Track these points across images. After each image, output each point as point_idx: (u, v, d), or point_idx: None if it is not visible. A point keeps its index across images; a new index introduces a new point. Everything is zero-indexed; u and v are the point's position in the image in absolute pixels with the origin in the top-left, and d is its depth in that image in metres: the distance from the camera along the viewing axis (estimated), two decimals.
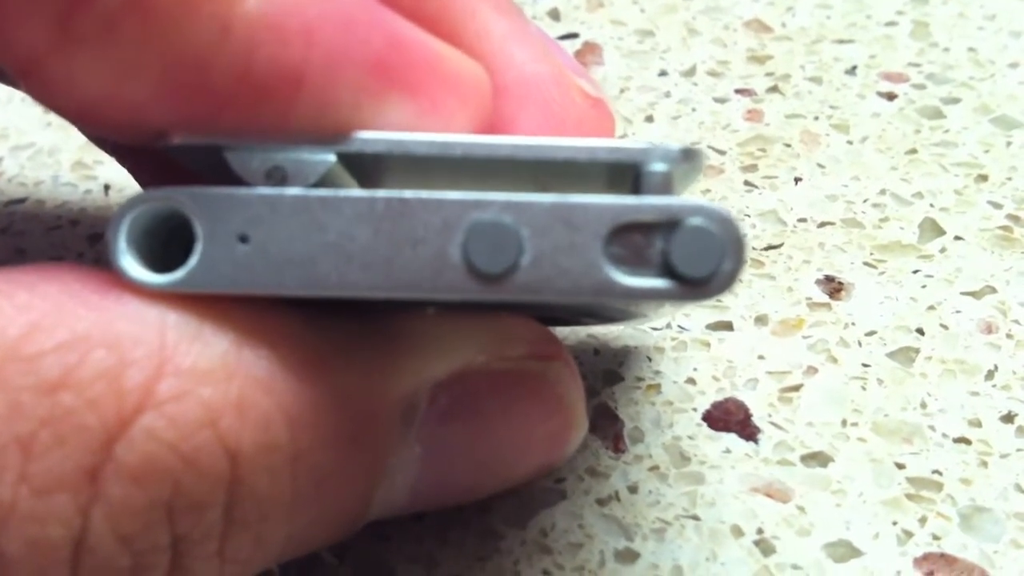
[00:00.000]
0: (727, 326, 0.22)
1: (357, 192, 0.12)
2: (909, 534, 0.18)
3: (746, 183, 0.26)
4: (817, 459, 0.20)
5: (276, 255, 0.12)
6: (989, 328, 0.22)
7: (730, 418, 0.21)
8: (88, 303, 0.12)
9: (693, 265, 0.12)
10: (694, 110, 0.29)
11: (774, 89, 0.29)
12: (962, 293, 0.23)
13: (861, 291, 0.23)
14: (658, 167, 0.13)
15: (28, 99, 0.30)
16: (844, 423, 0.20)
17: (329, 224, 0.12)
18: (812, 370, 0.21)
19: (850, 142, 0.27)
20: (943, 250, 0.24)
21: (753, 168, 0.27)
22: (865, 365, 0.21)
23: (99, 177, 0.28)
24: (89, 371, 0.11)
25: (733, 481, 0.19)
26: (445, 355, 0.14)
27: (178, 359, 0.12)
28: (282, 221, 0.12)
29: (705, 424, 0.21)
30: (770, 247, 0.24)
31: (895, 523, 0.19)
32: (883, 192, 0.26)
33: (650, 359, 0.22)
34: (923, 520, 0.19)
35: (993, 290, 0.23)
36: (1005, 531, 0.18)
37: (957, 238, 0.24)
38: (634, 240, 0.12)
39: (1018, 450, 0.20)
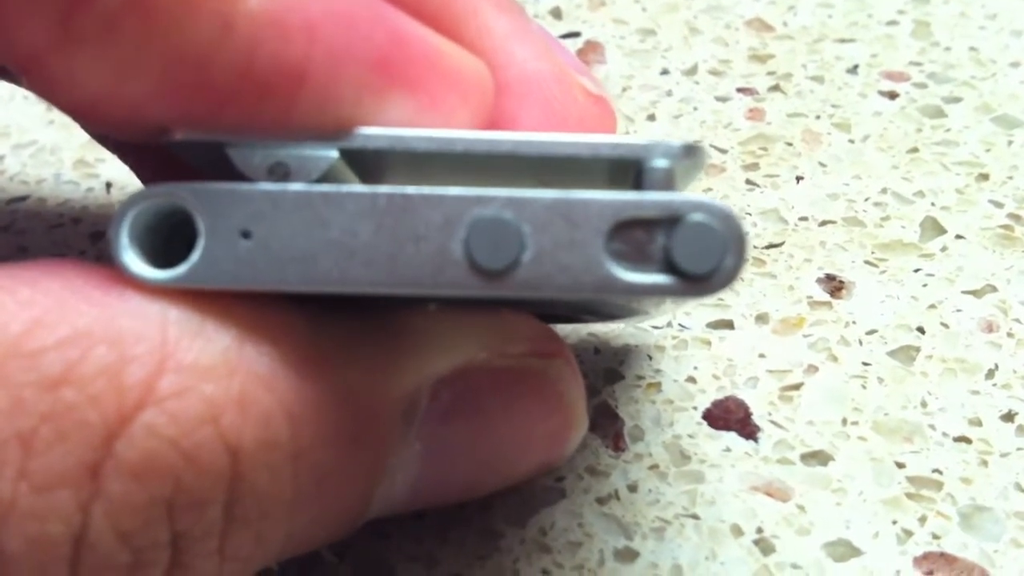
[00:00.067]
0: (728, 324, 0.22)
1: (359, 188, 0.12)
2: (909, 533, 0.18)
3: (747, 182, 0.26)
4: (817, 458, 0.20)
5: (278, 251, 0.12)
6: (990, 327, 0.22)
7: (730, 417, 0.21)
8: (90, 299, 0.12)
9: (695, 261, 0.12)
10: (696, 109, 0.29)
11: (776, 88, 0.29)
12: (963, 292, 0.23)
13: (862, 290, 0.23)
14: (660, 163, 0.13)
15: (30, 97, 0.30)
16: (844, 422, 0.20)
17: (331, 220, 0.12)
18: (813, 369, 0.21)
19: (851, 141, 0.27)
20: (944, 249, 0.24)
21: (755, 167, 0.27)
22: (866, 364, 0.21)
23: (101, 175, 0.28)
24: (91, 367, 0.11)
25: (733, 480, 0.19)
26: (447, 352, 0.14)
27: (180, 355, 0.12)
28: (284, 217, 0.12)
29: (705, 423, 0.21)
30: (771, 246, 0.24)
31: (895, 522, 0.19)
32: (884, 191, 0.26)
33: (651, 357, 0.22)
34: (923, 519, 0.19)
35: (994, 289, 0.23)
36: (1005, 530, 0.18)
37: (958, 237, 0.24)
38: (636, 236, 0.12)
39: (1018, 449, 0.20)
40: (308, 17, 0.12)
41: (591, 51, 0.32)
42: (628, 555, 0.18)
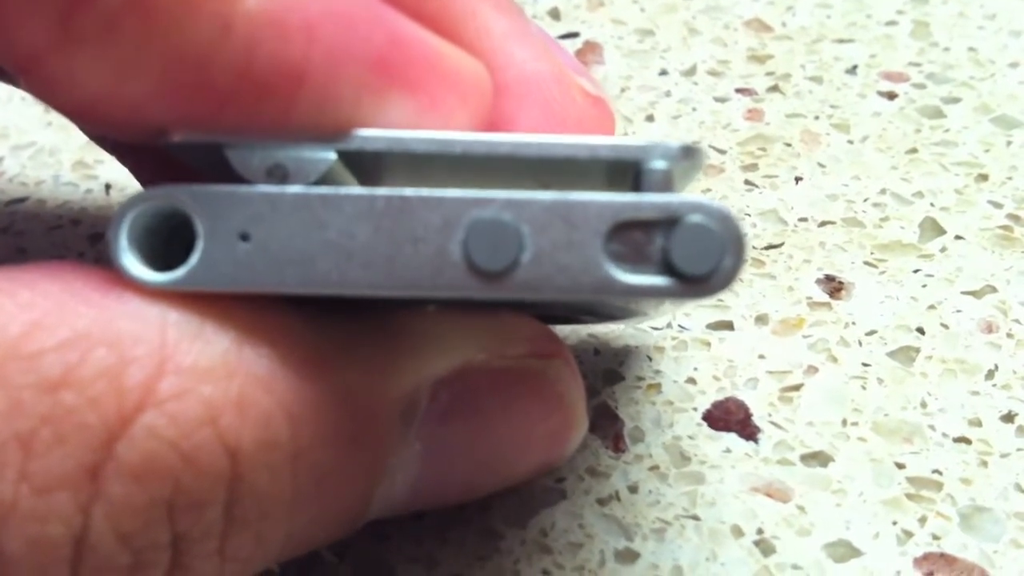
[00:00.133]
0: (727, 325, 0.22)
1: (357, 190, 0.12)
2: (909, 534, 0.18)
3: (746, 182, 0.26)
4: (817, 459, 0.20)
5: (277, 253, 0.12)
6: (989, 327, 0.22)
7: (730, 418, 0.21)
8: (89, 301, 0.12)
9: (693, 263, 0.12)
10: (694, 109, 0.29)
11: (774, 88, 0.29)
12: (962, 292, 0.23)
13: (861, 290, 0.23)
14: (658, 164, 0.13)
15: (29, 98, 0.30)
16: (844, 423, 0.20)
17: (330, 222, 0.12)
18: (812, 369, 0.21)
19: (850, 141, 0.27)
20: (943, 249, 0.24)
21: (753, 167, 0.27)
22: (865, 365, 0.21)
23: (100, 176, 0.28)
24: (90, 369, 0.11)
25: (733, 481, 0.19)
26: (446, 353, 0.14)
27: (179, 357, 0.12)
28: (283, 219, 0.12)
29: (705, 424, 0.21)
30: (770, 246, 0.24)
31: (895, 523, 0.19)
32: (883, 191, 0.26)
33: (650, 358, 0.22)
34: (923, 520, 0.19)
35: (993, 289, 0.23)
36: (1005, 531, 0.18)
37: (957, 237, 0.24)
38: (634, 237, 0.12)
39: (1018, 450, 0.20)
40: (307, 18, 0.12)
41: (589, 52, 0.32)
42: (629, 556, 0.18)
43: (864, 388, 0.21)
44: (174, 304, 0.12)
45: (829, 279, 0.23)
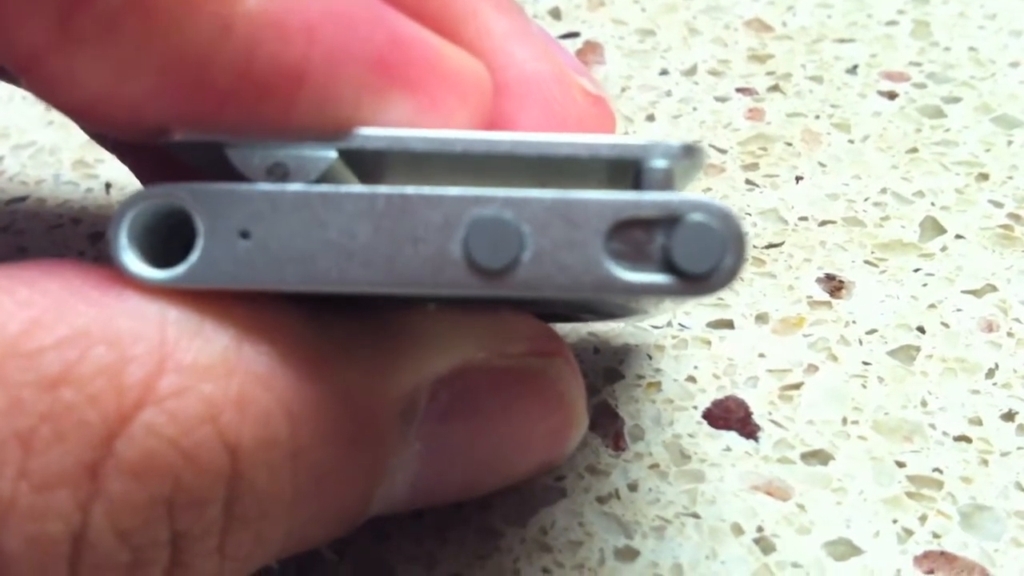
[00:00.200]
0: (728, 324, 0.22)
1: (358, 188, 0.12)
2: (909, 532, 0.18)
3: (747, 182, 0.26)
4: (817, 457, 0.20)
5: (277, 251, 0.12)
6: (990, 326, 0.22)
7: (730, 416, 0.21)
8: (89, 299, 0.12)
9: (694, 261, 0.12)
10: (695, 109, 0.29)
11: (775, 88, 0.29)
12: (963, 292, 0.23)
13: (862, 289, 0.23)
14: (659, 163, 0.13)
15: (29, 97, 0.30)
16: (844, 421, 0.20)
17: (330, 221, 0.12)
18: (813, 368, 0.21)
19: (851, 141, 0.27)
20: (944, 249, 0.24)
21: (754, 167, 0.27)
22: (866, 363, 0.21)
23: (100, 175, 0.28)
24: (89, 367, 0.11)
25: (733, 479, 0.19)
26: (445, 352, 0.14)
27: (178, 355, 0.12)
28: (283, 217, 0.12)
29: (705, 422, 0.21)
30: (771, 245, 0.24)
31: (895, 521, 0.19)
32: (884, 191, 0.26)
33: (650, 357, 0.22)
34: (923, 518, 0.19)
35: (994, 289, 0.23)
36: (1006, 529, 0.18)
37: (958, 237, 0.24)
38: (635, 236, 0.12)
39: (1019, 448, 0.20)
40: (307, 18, 0.12)
41: (590, 51, 0.32)
42: (628, 554, 0.18)
43: (864, 387, 0.21)
44: (174, 302, 0.12)
45: (829, 278, 0.24)
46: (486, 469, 0.16)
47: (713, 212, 0.12)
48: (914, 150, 0.27)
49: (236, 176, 0.13)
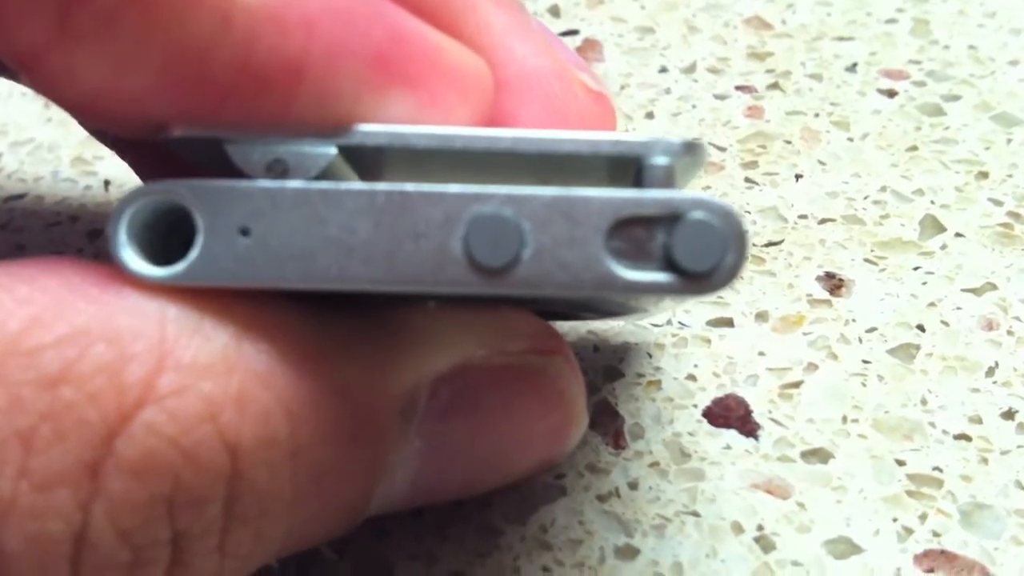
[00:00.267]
0: (728, 322, 0.22)
1: (358, 185, 0.12)
2: (909, 531, 0.18)
3: (747, 180, 0.26)
4: (817, 455, 0.20)
5: (277, 248, 0.12)
6: (990, 325, 0.22)
7: (730, 414, 0.21)
8: (88, 297, 0.12)
9: (695, 259, 0.12)
10: (694, 107, 0.29)
11: (774, 86, 0.29)
12: (963, 290, 0.23)
13: (862, 288, 0.23)
14: (660, 160, 0.13)
15: (28, 94, 0.30)
16: (844, 419, 0.20)
17: (330, 218, 0.12)
18: (812, 367, 0.21)
19: (851, 139, 0.27)
20: (944, 247, 0.24)
21: (754, 165, 0.27)
22: (866, 362, 0.21)
23: (99, 173, 0.27)
24: (89, 365, 0.11)
25: (733, 477, 0.19)
26: (445, 350, 0.14)
27: (178, 353, 0.12)
28: (283, 214, 0.12)
29: (705, 420, 0.21)
30: (771, 244, 0.24)
31: (895, 520, 0.19)
32: (884, 189, 0.26)
33: (650, 355, 0.22)
34: (923, 517, 0.19)
35: (994, 287, 0.23)
36: (1006, 528, 0.18)
37: (958, 235, 0.24)
38: (636, 234, 0.12)
39: (1019, 447, 0.20)
40: (306, 13, 0.12)
41: (589, 49, 0.31)
42: (629, 552, 0.18)
43: (864, 385, 0.21)
44: (173, 300, 0.12)
45: (829, 276, 0.23)
46: (486, 467, 0.16)
47: (714, 210, 0.12)
48: (914, 148, 0.27)
49: (236, 173, 0.13)
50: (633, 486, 0.19)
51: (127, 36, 0.12)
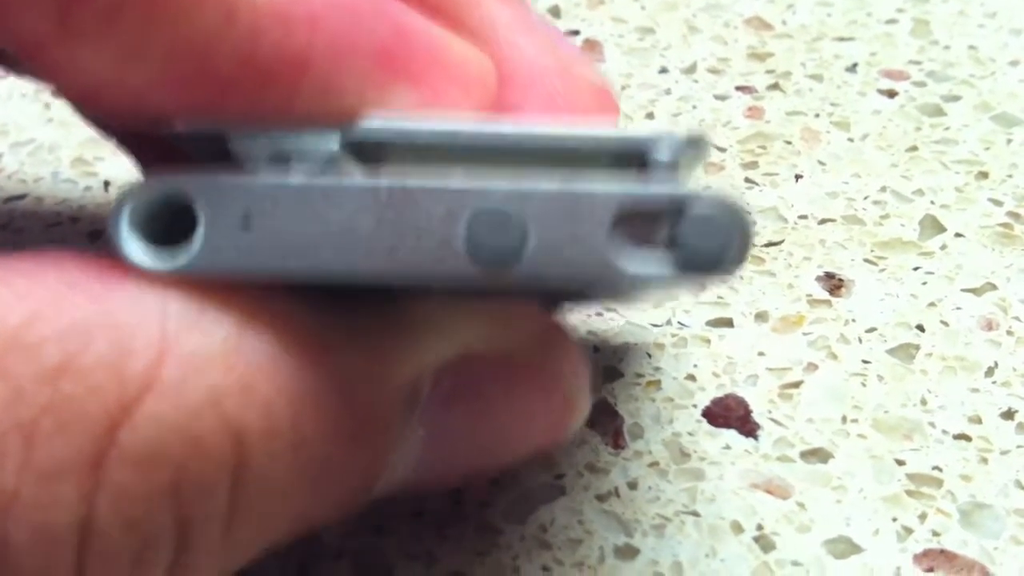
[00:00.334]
0: (727, 323, 0.22)
1: (360, 181, 0.12)
2: (909, 530, 0.18)
3: (747, 180, 0.26)
4: (817, 455, 0.20)
5: (279, 241, 0.12)
6: (989, 325, 0.22)
7: (730, 414, 0.21)
8: (88, 291, 0.12)
9: (699, 252, 0.12)
10: (695, 107, 0.29)
11: (775, 86, 0.29)
12: (962, 290, 0.23)
13: (861, 288, 0.23)
14: (664, 154, 0.13)
15: (28, 95, 0.30)
16: (844, 419, 0.20)
17: (332, 212, 0.12)
18: (812, 367, 0.21)
19: (851, 139, 0.27)
20: (943, 247, 0.24)
21: (754, 165, 0.27)
22: (865, 362, 0.21)
23: (99, 174, 0.27)
24: (90, 359, 0.11)
25: (733, 477, 0.19)
26: (448, 340, 0.14)
27: (179, 346, 0.12)
28: (285, 208, 0.12)
29: (705, 420, 0.21)
30: (770, 244, 0.24)
31: (895, 519, 0.19)
32: (884, 189, 0.26)
33: (650, 355, 0.22)
34: (923, 516, 0.19)
35: (993, 287, 0.23)
36: (1005, 527, 0.18)
37: (958, 235, 0.24)
38: (640, 226, 0.12)
39: (1018, 447, 0.20)
40: (311, 8, 0.12)
41: (590, 49, 0.31)
42: (628, 552, 0.18)
43: (864, 385, 0.21)
44: (174, 293, 0.12)
45: (829, 276, 0.23)
46: (486, 453, 0.16)
47: (718, 202, 0.12)
48: (914, 148, 0.27)
49: (239, 166, 0.13)
50: (632, 486, 0.19)
51: (130, 30, 0.12)
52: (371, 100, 0.13)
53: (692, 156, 0.13)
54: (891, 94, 0.29)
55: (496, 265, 0.12)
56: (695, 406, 0.21)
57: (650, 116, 0.29)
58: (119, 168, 0.27)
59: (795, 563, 0.18)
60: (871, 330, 0.22)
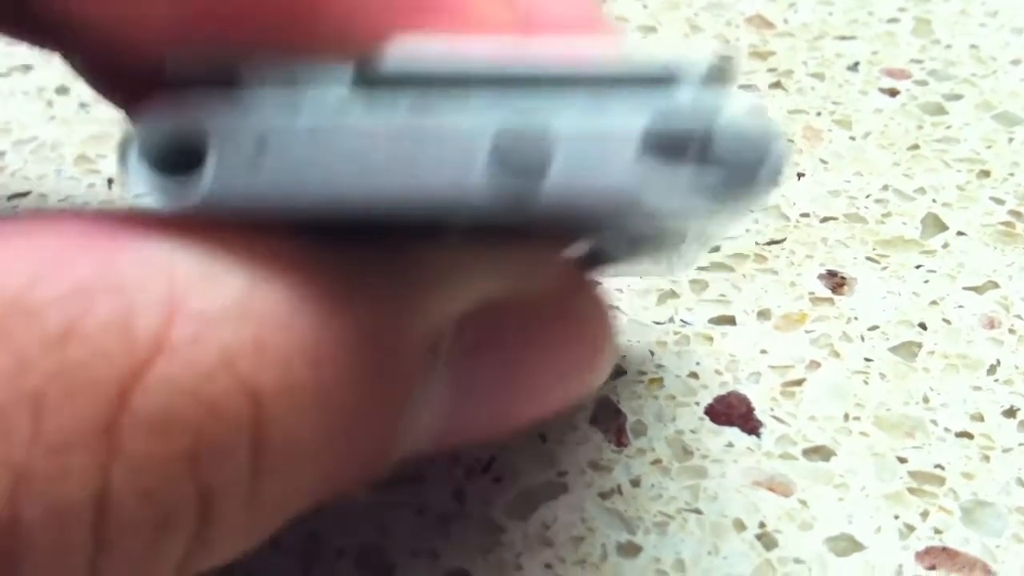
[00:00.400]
0: (730, 320, 0.22)
1: (380, 104, 0.12)
2: (911, 528, 0.18)
3: None
4: (819, 453, 0.20)
5: (293, 173, 0.12)
6: (991, 323, 0.22)
7: (732, 412, 0.21)
8: (91, 250, 0.11)
9: (734, 164, 0.11)
10: None
11: (776, 85, 0.29)
12: (964, 288, 0.23)
13: (864, 286, 0.23)
14: (693, 71, 0.12)
15: (31, 93, 0.30)
16: (846, 417, 0.20)
17: (350, 136, 0.12)
18: (815, 364, 0.21)
19: (852, 138, 0.27)
20: (945, 245, 0.24)
21: None
22: (867, 360, 0.21)
23: (102, 171, 0.28)
24: (96, 320, 0.11)
25: (735, 475, 0.19)
26: (470, 287, 0.14)
27: (189, 303, 0.11)
28: (301, 136, 0.12)
29: (707, 418, 0.21)
30: (773, 242, 0.24)
31: (897, 517, 0.19)
32: (885, 188, 0.26)
33: (652, 353, 0.22)
34: (925, 514, 0.19)
35: (995, 285, 0.23)
36: (1007, 525, 0.18)
37: (959, 233, 0.24)
38: (670, 142, 0.11)
39: (1020, 444, 0.20)
40: None
41: None
42: (630, 549, 0.18)
43: (866, 383, 0.21)
44: (181, 246, 0.11)
45: (831, 274, 0.24)
46: (513, 406, 0.15)
47: (750, 111, 0.11)
48: (915, 147, 0.27)
49: (251, 99, 0.12)
50: (635, 483, 0.19)
51: None
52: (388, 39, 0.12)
53: (720, 76, 0.12)
54: (893, 93, 0.29)
55: (520, 187, 0.11)
56: (698, 404, 0.21)
57: None
58: None
59: (797, 560, 0.18)
60: (873, 328, 0.22)
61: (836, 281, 0.23)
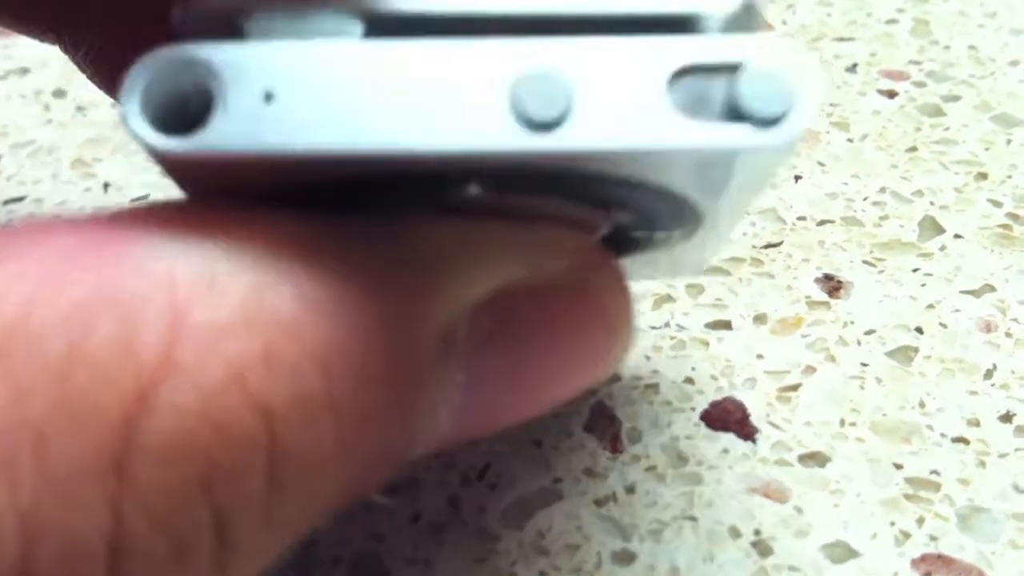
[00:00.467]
0: (726, 325, 0.22)
1: (391, 44, 0.11)
2: (907, 535, 0.18)
3: None
4: (815, 459, 0.20)
5: (303, 114, 0.11)
6: (988, 327, 0.22)
7: (728, 418, 0.21)
8: (88, 265, 0.11)
9: (762, 106, 0.11)
10: None
11: None
12: (961, 292, 0.23)
13: (860, 290, 0.23)
14: (718, 11, 0.12)
15: (28, 96, 0.30)
16: (842, 423, 0.20)
17: (362, 76, 0.11)
18: (810, 369, 0.21)
19: (850, 140, 0.27)
20: (943, 248, 0.24)
21: None
22: (864, 364, 0.21)
23: (98, 175, 0.28)
24: (98, 342, 0.10)
25: (731, 481, 0.19)
26: (483, 275, 0.13)
27: (193, 315, 0.11)
28: (311, 76, 0.11)
29: (703, 424, 0.20)
30: (769, 245, 0.24)
31: (893, 523, 0.19)
32: (883, 190, 0.26)
33: (648, 358, 0.22)
34: (921, 520, 0.19)
35: (992, 289, 0.23)
36: (1003, 531, 0.18)
37: (957, 236, 0.24)
38: (697, 83, 0.11)
39: (1016, 450, 0.20)
40: None
41: None
42: (626, 557, 0.18)
43: (862, 388, 0.21)
44: (181, 246, 0.11)
45: (828, 278, 0.23)
46: (531, 394, 0.15)
47: (779, 53, 0.11)
48: (913, 149, 0.27)
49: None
50: (630, 490, 0.19)
51: None
52: None
53: (745, 19, 0.12)
54: (891, 94, 0.29)
55: (543, 127, 0.11)
56: (693, 409, 0.21)
57: None
58: (118, 169, 0.27)
59: (792, 568, 0.18)
60: (870, 332, 0.22)
61: (832, 285, 0.23)
